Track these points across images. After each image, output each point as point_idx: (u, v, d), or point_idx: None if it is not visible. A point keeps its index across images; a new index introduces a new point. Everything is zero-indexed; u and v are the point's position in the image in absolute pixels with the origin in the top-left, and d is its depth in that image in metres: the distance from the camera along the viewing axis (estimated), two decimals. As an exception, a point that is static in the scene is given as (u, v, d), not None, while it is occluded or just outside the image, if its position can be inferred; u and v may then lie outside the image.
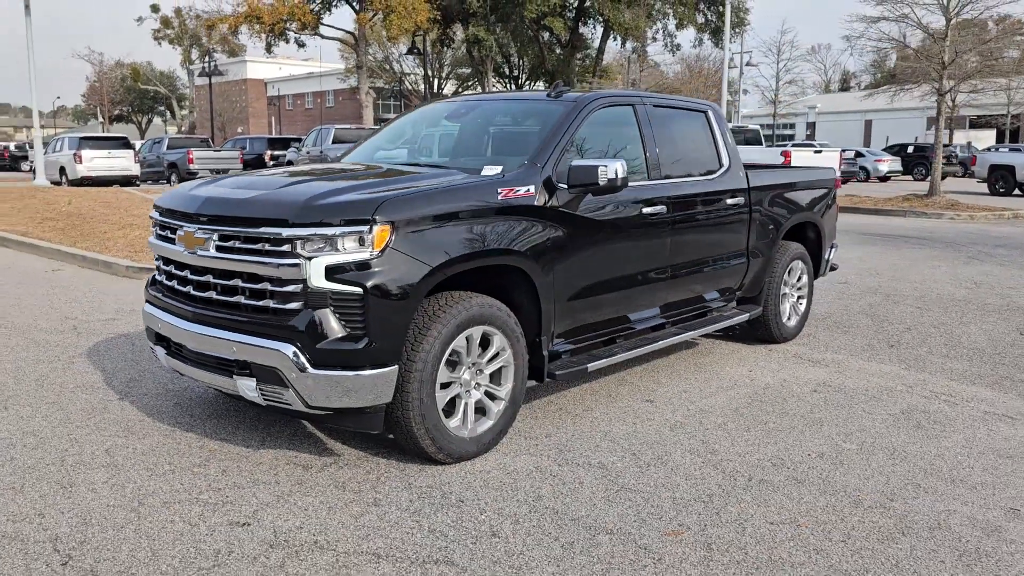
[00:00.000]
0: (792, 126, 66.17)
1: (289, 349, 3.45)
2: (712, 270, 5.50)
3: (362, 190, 3.67)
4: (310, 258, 3.42)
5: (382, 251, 3.46)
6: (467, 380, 3.90)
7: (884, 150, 37.90)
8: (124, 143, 25.56)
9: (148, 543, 3.06)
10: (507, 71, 44.19)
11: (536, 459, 3.95)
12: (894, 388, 5.22)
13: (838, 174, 17.50)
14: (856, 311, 7.57)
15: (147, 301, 4.26)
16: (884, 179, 33.62)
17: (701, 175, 5.37)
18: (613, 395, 4.99)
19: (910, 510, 3.47)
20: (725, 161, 5.59)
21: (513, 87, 45.41)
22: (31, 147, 30.55)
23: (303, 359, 3.43)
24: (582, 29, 36.25)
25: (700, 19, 36.11)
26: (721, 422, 4.54)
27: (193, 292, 3.85)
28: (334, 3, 28.57)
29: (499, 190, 3.94)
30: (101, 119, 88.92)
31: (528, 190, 4.07)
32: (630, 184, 4.75)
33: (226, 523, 3.24)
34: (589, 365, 4.50)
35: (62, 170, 25.15)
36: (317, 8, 28.56)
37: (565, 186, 4.22)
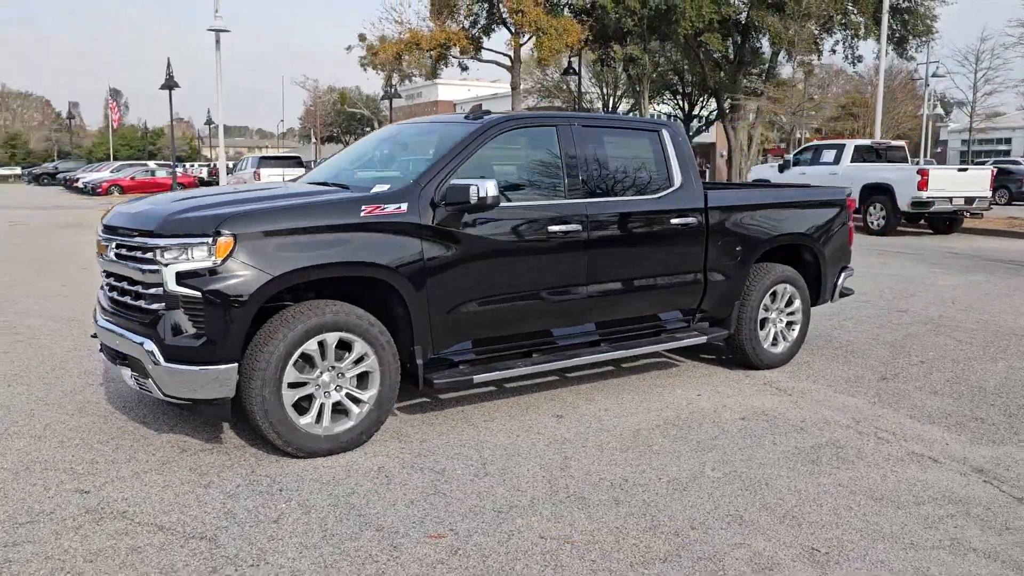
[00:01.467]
0: (1007, 141, 60.27)
1: (149, 344, 3.95)
2: (657, 289, 5.44)
3: (222, 207, 4.11)
4: (167, 264, 3.90)
5: (224, 260, 3.88)
6: (326, 382, 4.22)
7: (1098, 167, 33.61)
8: (298, 162, 28.08)
9: (-2, 500, 3.65)
10: (680, 88, 43.76)
11: (388, 460, 4.19)
12: (835, 422, 4.92)
13: (987, 193, 15.99)
14: (885, 340, 7.05)
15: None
16: (1091, 200, 29.85)
17: (641, 194, 5.36)
18: (530, 408, 5.10)
19: (699, 540, 3.38)
20: (676, 180, 5.52)
21: (687, 105, 44.95)
22: (234, 166, 34.71)
23: (157, 353, 3.91)
24: (753, 44, 35.16)
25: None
26: (608, 441, 4.54)
27: (107, 293, 4.47)
28: (493, 27, 29.72)
29: (363, 208, 4.24)
30: (314, 140, 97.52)
31: (399, 208, 4.34)
32: (537, 203, 4.91)
33: (73, 490, 3.77)
34: (475, 377, 4.66)
35: (245, 186, 27.98)
36: (477, 33, 29.82)
37: (444, 204, 4.44)
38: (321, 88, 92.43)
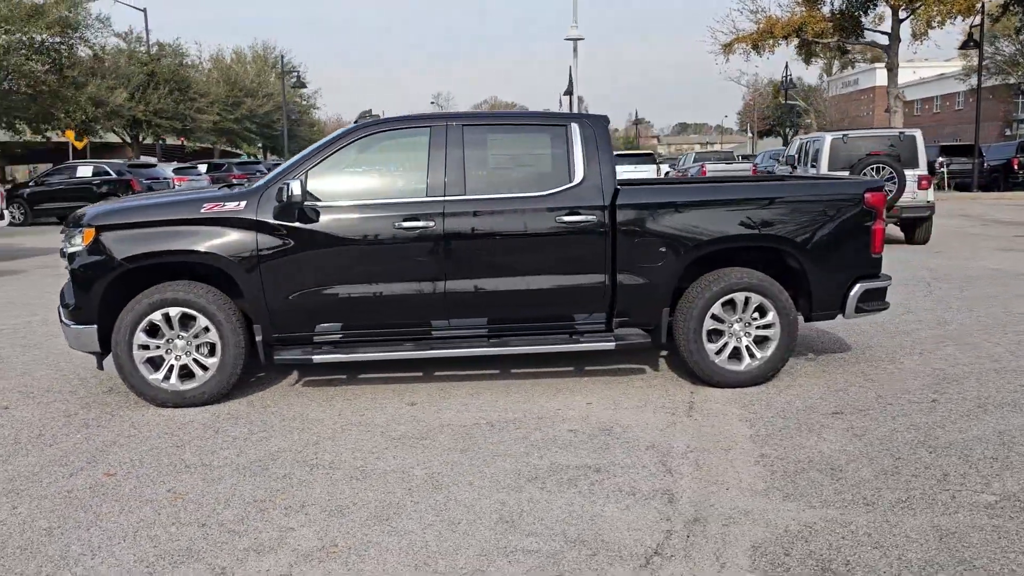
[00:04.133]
0: None
1: (60, 307, 5.32)
2: (543, 288, 5.25)
3: (104, 205, 5.29)
4: (68, 248, 5.22)
5: (88, 246, 5.05)
6: (179, 347, 5.15)
7: None
8: (650, 158, 28.80)
9: (-40, 405, 5.32)
10: None
11: (207, 417, 4.97)
12: (659, 447, 4.35)
13: None
14: (949, 374, 5.55)
15: None
16: None
17: (524, 191, 5.24)
18: (401, 394, 5.39)
19: (250, 517, 3.60)
20: (578, 176, 5.25)
21: None
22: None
23: (61, 314, 5.26)
24: None
25: None
26: (398, 431, 4.69)
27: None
28: (872, 4, 26.80)
29: (203, 205, 5.07)
30: (750, 134, 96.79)
31: (238, 205, 5.07)
32: (384, 201, 5.21)
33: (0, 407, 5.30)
34: (314, 357, 5.17)
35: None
36: (856, 12, 27.21)
37: (277, 202, 5.05)
38: (761, 81, 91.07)
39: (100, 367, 5.35)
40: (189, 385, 5.17)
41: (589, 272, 5.27)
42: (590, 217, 5.20)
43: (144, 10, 38.79)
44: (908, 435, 4.43)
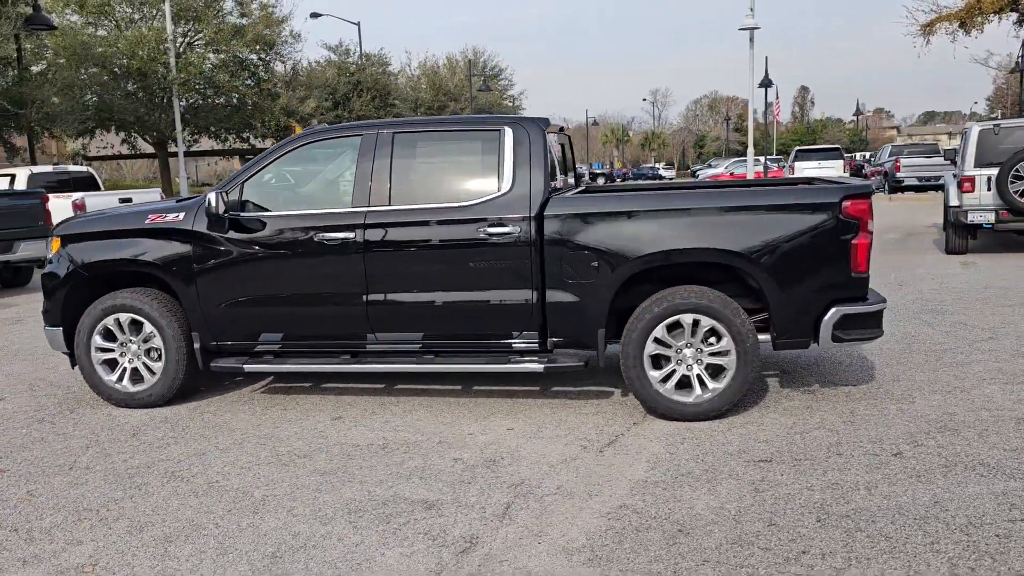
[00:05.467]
0: None
1: (44, 310, 5.82)
2: (473, 304, 4.94)
3: (75, 217, 5.67)
4: (48, 254, 5.69)
5: (56, 254, 5.46)
6: (135, 351, 5.43)
7: None
8: (836, 154, 26.57)
9: (-28, 394, 5.97)
10: None
11: (138, 419, 5.20)
12: (518, 485, 3.96)
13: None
14: (946, 424, 4.57)
15: None
16: None
17: (447, 200, 4.96)
18: (335, 406, 5.34)
19: (50, 538, 3.68)
20: (506, 185, 4.89)
21: None
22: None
23: (43, 317, 5.74)
24: None
25: None
26: (280, 445, 4.63)
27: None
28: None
29: (148, 216, 5.30)
30: (998, 122, 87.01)
31: (177, 216, 5.25)
32: (309, 212, 5.16)
33: None
34: (245, 366, 5.24)
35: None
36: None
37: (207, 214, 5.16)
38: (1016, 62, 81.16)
39: (73, 366, 5.76)
40: (139, 387, 5.43)
41: (516, 287, 4.89)
42: (514, 229, 4.83)
43: (358, 24, 41.77)
44: (815, 496, 3.68)
